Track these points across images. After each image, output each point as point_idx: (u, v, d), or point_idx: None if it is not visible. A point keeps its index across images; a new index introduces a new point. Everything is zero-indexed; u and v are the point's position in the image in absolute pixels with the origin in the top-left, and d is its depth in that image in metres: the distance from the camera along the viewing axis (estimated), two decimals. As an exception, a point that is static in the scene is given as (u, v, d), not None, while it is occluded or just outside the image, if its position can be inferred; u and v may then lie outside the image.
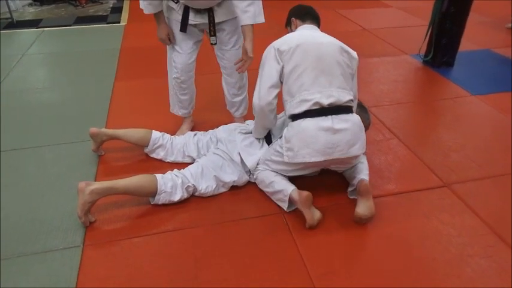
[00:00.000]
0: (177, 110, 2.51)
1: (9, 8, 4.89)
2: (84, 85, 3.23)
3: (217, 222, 1.84)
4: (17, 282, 1.55)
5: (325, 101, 1.77)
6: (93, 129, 2.21)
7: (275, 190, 1.90)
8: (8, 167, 2.22)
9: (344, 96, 1.81)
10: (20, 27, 4.78)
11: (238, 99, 2.46)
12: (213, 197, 1.98)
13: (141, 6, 2.11)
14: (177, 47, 2.23)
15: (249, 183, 2.06)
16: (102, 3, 5.88)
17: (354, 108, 1.91)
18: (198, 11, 2.10)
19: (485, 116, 2.80)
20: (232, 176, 2.00)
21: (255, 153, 2.05)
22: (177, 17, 2.14)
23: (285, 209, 1.87)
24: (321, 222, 1.81)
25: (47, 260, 1.65)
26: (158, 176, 1.89)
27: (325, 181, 2.08)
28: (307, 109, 1.78)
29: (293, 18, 2.06)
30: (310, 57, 1.80)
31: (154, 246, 1.72)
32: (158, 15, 2.15)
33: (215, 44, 2.21)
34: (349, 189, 1.98)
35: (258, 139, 2.13)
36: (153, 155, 2.25)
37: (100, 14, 5.36)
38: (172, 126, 2.52)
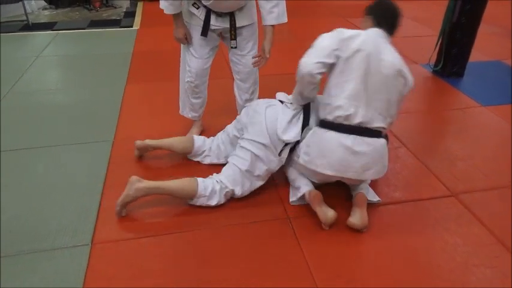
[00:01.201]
0: (187, 112, 2.54)
1: (25, 10, 5.00)
2: (97, 87, 3.29)
3: (222, 225, 1.86)
4: (25, 279, 1.58)
5: (356, 120, 1.75)
6: (138, 142, 2.26)
7: (295, 186, 1.99)
8: (19, 166, 2.27)
9: (378, 121, 1.78)
10: (35, 29, 4.88)
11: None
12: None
13: (161, 7, 2.13)
14: (193, 52, 2.26)
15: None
16: (115, 7, 5.98)
17: (387, 128, 1.89)
18: (219, 15, 2.13)
19: (494, 126, 2.79)
20: (264, 166, 1.96)
21: (295, 125, 1.94)
22: (198, 22, 2.17)
23: (290, 202, 1.98)
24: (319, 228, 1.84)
25: (56, 258, 1.68)
26: (199, 179, 1.91)
27: (333, 187, 2.09)
28: (336, 122, 1.78)
29: (368, 16, 1.89)
30: (364, 70, 1.73)
31: (160, 247, 1.74)
32: (178, 16, 2.16)
33: (235, 47, 2.24)
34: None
35: (296, 115, 1.97)
36: (193, 158, 2.29)
37: (113, 18, 5.45)
38: (182, 130, 2.55)
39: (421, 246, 1.77)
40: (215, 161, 2.24)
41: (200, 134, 2.50)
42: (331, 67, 1.79)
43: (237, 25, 2.17)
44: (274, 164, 1.97)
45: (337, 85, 1.78)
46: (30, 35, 4.72)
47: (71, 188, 2.09)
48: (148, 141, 2.25)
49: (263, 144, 1.92)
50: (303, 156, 1.86)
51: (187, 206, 1.94)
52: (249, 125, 2.00)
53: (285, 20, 2.13)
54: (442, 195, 2.09)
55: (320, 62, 1.75)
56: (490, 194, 2.10)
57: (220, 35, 2.28)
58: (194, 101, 2.45)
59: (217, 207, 1.94)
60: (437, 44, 3.56)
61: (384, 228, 1.86)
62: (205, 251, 1.72)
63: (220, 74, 2.87)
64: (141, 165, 2.28)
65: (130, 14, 5.54)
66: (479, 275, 1.62)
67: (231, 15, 2.13)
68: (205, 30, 2.16)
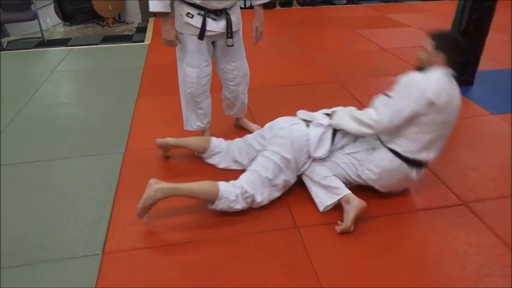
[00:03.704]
0: (191, 124, 2.54)
1: (40, 28, 5.16)
2: (109, 100, 3.37)
3: (231, 234, 1.87)
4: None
5: (423, 157, 1.94)
6: (159, 140, 2.36)
7: (329, 185, 1.98)
8: (34, 177, 2.33)
9: None
10: (50, 45, 5.03)
11: (244, 96, 2.62)
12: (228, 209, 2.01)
13: (151, 8, 2.08)
14: (191, 61, 2.28)
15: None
16: (128, 23, 6.13)
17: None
18: (214, 19, 2.18)
19: (504, 135, 2.77)
20: (283, 176, 2.00)
21: (325, 142, 2.04)
22: (193, 31, 2.18)
23: (327, 204, 1.95)
24: (336, 236, 1.84)
25: (67, 267, 1.71)
26: (220, 183, 1.93)
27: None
28: (408, 157, 1.92)
29: (441, 53, 1.86)
30: (450, 124, 1.90)
31: (170, 257, 1.76)
32: (167, 16, 2.13)
33: (232, 45, 2.30)
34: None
35: (325, 132, 2.05)
36: (209, 161, 2.35)
37: (126, 33, 5.58)
38: (191, 141, 2.58)
39: (432, 255, 1.75)
40: (229, 165, 2.29)
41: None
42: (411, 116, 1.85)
43: (232, 29, 2.24)
44: (294, 177, 2.05)
45: (423, 136, 1.88)
46: (46, 51, 4.86)
47: (83, 198, 2.13)
48: (169, 139, 2.36)
49: (286, 158, 1.98)
50: (367, 172, 1.98)
51: (197, 215, 1.96)
52: (273, 139, 2.06)
53: None
54: (453, 204, 2.07)
55: (399, 124, 1.86)
56: (501, 202, 2.08)
57: (213, 44, 2.33)
58: (198, 111, 2.48)
59: (225, 216, 1.96)
60: (445, 53, 3.56)
61: (394, 237, 1.85)
62: (214, 260, 1.73)
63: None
64: (152, 176, 2.31)
65: (141, 30, 5.67)
66: (491, 284, 1.59)
67: (227, 15, 2.20)
68: (202, 33, 2.18)
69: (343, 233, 1.84)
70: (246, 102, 2.69)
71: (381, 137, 2.00)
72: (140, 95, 3.44)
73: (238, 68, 2.45)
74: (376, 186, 2.04)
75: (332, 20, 6.04)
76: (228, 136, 2.45)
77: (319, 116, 2.12)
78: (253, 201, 1.96)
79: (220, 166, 2.32)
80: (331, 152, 2.03)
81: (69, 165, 2.44)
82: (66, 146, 2.65)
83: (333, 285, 1.60)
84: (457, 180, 2.25)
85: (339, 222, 1.89)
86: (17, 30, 5.52)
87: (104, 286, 1.61)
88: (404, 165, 1.94)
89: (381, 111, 1.87)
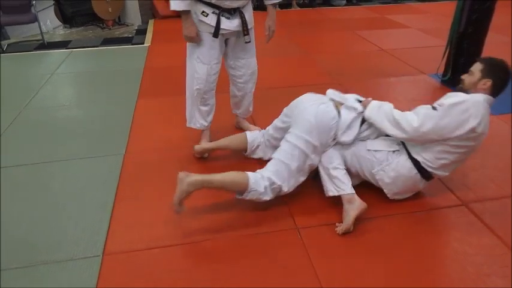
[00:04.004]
0: (194, 122, 2.55)
1: (41, 30, 5.17)
2: (109, 102, 3.37)
3: (232, 235, 1.87)
4: (39, 289, 1.62)
5: None
6: (197, 147, 2.40)
7: (337, 177, 1.95)
8: (34, 179, 2.33)
9: None
10: (50, 48, 5.04)
11: (251, 95, 2.66)
12: (229, 211, 2.02)
13: (172, 7, 2.14)
14: (202, 58, 2.33)
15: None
16: (127, 25, 6.14)
17: None
18: (228, 18, 2.22)
19: (505, 135, 2.77)
20: (308, 161, 1.97)
21: (354, 128, 2.01)
22: (208, 29, 2.24)
23: (329, 194, 1.96)
24: (336, 237, 1.84)
25: (68, 269, 1.71)
26: (250, 173, 1.91)
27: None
28: (429, 174, 1.96)
29: (489, 81, 1.87)
30: (475, 150, 1.92)
31: (171, 257, 1.76)
32: (188, 14, 2.19)
33: (249, 42, 2.36)
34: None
35: (356, 119, 2.02)
36: (254, 156, 2.35)
37: (125, 35, 5.60)
38: (192, 143, 2.57)
39: (432, 255, 1.75)
40: (272, 154, 2.19)
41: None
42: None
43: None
44: (317, 160, 2.00)
45: (445, 156, 1.89)
46: (46, 53, 4.87)
47: (83, 200, 2.13)
48: (205, 144, 2.42)
49: (311, 143, 1.93)
50: (382, 174, 1.97)
51: (197, 217, 1.96)
52: (298, 119, 1.99)
53: None
54: (453, 205, 2.07)
55: (436, 140, 1.86)
56: (502, 203, 2.08)
57: (226, 41, 2.37)
58: (202, 108, 2.50)
59: (227, 216, 1.96)
60: (444, 54, 3.57)
61: (394, 237, 1.85)
62: (215, 261, 1.74)
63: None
64: (152, 178, 2.32)
65: (141, 32, 5.68)
66: (491, 284, 1.59)
67: (240, 13, 2.24)
68: (217, 31, 2.23)
69: (344, 233, 1.84)
70: (251, 105, 2.72)
71: (407, 144, 1.97)
72: (140, 96, 3.44)
73: (247, 65, 2.49)
74: (385, 190, 2.02)
75: (331, 22, 6.05)
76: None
77: (351, 99, 2.06)
78: (280, 190, 1.95)
79: (266, 158, 2.27)
80: (355, 139, 2.01)
81: (69, 167, 2.45)
82: (67, 148, 2.66)
83: (333, 284, 1.61)
84: (457, 181, 2.25)
85: (337, 224, 1.88)
86: (17, 33, 5.54)
87: (105, 287, 1.61)
88: (418, 176, 1.95)
89: (423, 121, 1.83)
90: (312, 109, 1.96)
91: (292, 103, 2.13)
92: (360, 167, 2.02)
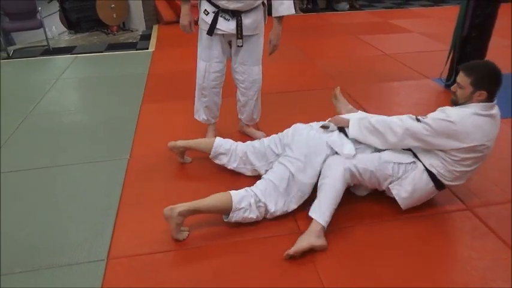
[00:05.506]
0: (199, 114, 2.67)
1: (46, 36, 5.22)
2: (113, 107, 3.39)
3: (235, 240, 1.87)
4: (44, 293, 1.63)
5: None
6: (171, 143, 2.40)
7: (319, 194, 1.89)
8: (39, 184, 2.35)
9: None
10: (55, 53, 5.08)
11: (254, 102, 2.65)
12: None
13: None
14: (201, 55, 2.45)
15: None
16: (132, 31, 6.19)
17: None
18: (227, 19, 2.27)
19: (509, 139, 2.76)
20: (296, 186, 1.97)
21: (347, 144, 2.02)
22: (205, 27, 2.33)
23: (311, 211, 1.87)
24: (340, 241, 1.84)
25: (72, 273, 1.72)
26: (233, 192, 1.91)
27: (363, 204, 2.09)
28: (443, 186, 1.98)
29: (484, 92, 1.84)
30: (489, 153, 1.91)
31: (175, 262, 1.77)
32: (187, 3, 2.34)
33: (241, 46, 2.37)
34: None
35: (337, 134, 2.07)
36: (217, 161, 2.34)
37: (130, 41, 5.64)
38: (195, 147, 2.60)
39: (436, 259, 1.74)
40: (239, 166, 2.27)
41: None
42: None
43: (245, 33, 2.31)
44: (308, 188, 1.99)
45: (461, 169, 1.90)
46: (51, 59, 4.91)
47: (87, 204, 2.15)
48: (178, 142, 2.41)
49: (302, 162, 1.97)
50: (398, 188, 1.95)
51: (200, 221, 1.97)
52: (291, 144, 2.06)
53: (293, 11, 2.36)
54: (458, 209, 2.06)
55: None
56: (506, 207, 2.07)
57: (229, 43, 2.42)
58: (204, 104, 2.58)
59: (230, 224, 1.95)
60: (448, 58, 3.57)
61: (398, 241, 1.85)
62: (219, 265, 1.74)
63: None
64: (156, 182, 2.33)
65: (146, 37, 5.72)
66: (496, 289, 1.59)
67: (238, 17, 2.26)
68: (211, 29, 2.30)
69: (291, 252, 1.73)
70: (257, 113, 2.71)
71: (423, 159, 1.95)
72: (144, 101, 3.46)
73: (247, 72, 2.50)
74: (400, 201, 1.99)
75: (335, 26, 6.07)
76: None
77: (316, 125, 2.13)
78: (266, 210, 1.94)
79: (230, 167, 2.29)
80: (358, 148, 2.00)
81: (74, 171, 2.46)
82: (71, 152, 2.67)
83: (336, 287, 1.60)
84: (461, 185, 2.23)
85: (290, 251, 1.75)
86: (23, 39, 5.59)
87: (109, 292, 1.62)
88: (433, 188, 1.96)
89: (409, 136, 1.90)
90: (303, 133, 2.07)
91: (285, 131, 2.19)
92: (374, 179, 1.97)
